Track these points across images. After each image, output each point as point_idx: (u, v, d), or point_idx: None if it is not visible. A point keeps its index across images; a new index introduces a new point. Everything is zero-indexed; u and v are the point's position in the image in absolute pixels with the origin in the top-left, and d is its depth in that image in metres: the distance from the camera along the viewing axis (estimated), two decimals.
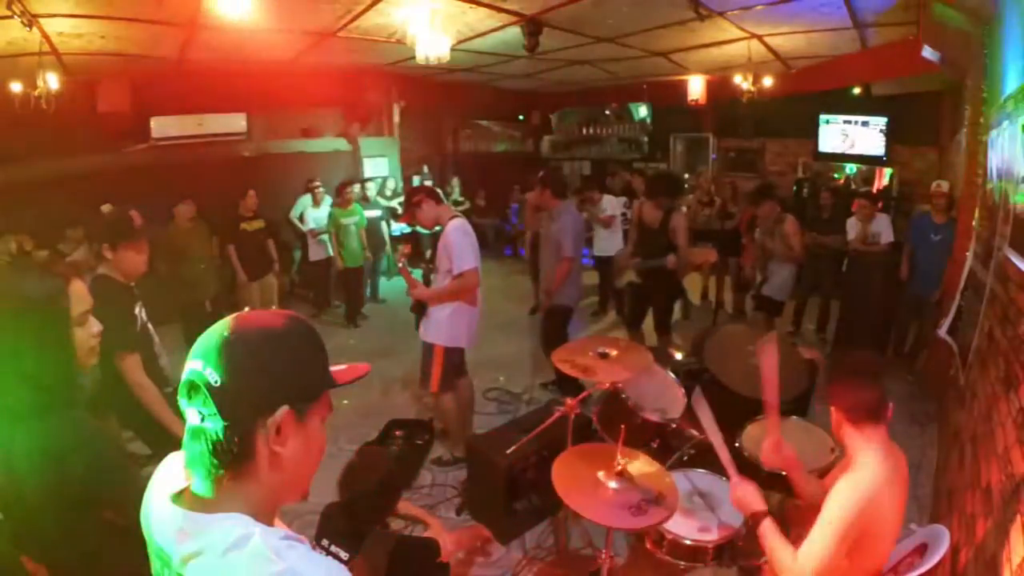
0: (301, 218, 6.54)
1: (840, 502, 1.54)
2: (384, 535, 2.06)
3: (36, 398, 1.22)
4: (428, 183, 8.50)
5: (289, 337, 0.79)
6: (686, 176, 8.89)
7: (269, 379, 0.74)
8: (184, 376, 0.75)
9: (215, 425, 0.73)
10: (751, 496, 1.75)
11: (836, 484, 1.60)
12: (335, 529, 1.99)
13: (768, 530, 1.66)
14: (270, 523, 0.76)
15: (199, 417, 0.74)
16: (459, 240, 3.26)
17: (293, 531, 0.78)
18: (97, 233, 2.52)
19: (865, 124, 7.17)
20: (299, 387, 0.78)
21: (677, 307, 5.44)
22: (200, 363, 0.74)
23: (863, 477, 1.57)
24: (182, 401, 0.76)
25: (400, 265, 3.45)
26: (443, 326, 3.38)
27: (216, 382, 0.72)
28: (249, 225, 5.30)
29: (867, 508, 1.52)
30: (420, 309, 3.46)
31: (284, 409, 0.75)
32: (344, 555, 1.92)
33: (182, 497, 0.77)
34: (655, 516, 1.87)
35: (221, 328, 0.76)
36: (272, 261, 5.56)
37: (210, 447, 0.73)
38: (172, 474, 0.81)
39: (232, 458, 0.73)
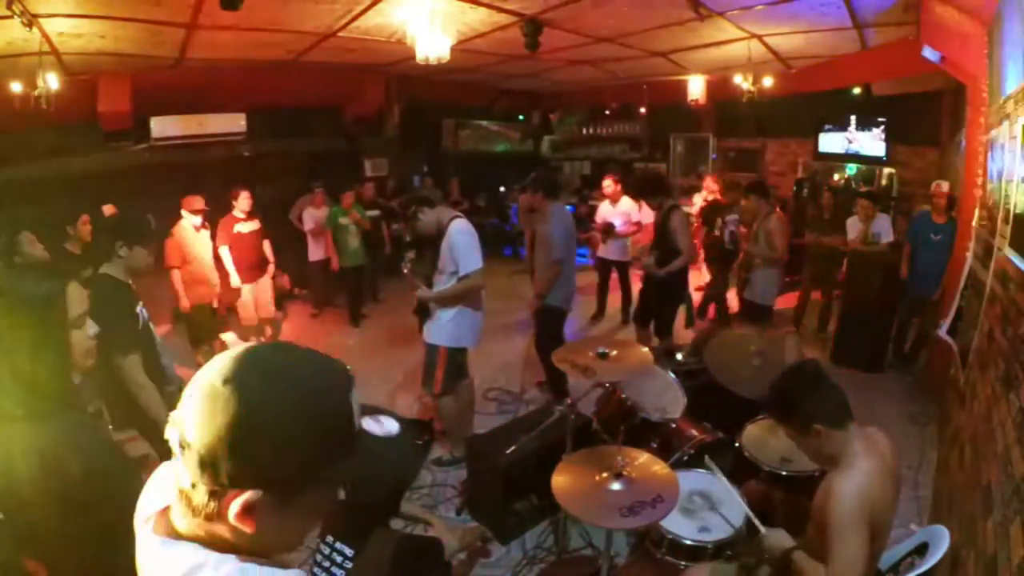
0: (300, 218, 6.56)
1: (843, 506, 1.52)
2: (388, 533, 2.06)
3: (32, 400, 1.22)
4: (428, 182, 8.52)
5: (285, 413, 0.64)
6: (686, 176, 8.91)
7: (242, 460, 0.63)
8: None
9: (185, 478, 0.66)
10: (783, 538, 1.77)
11: (831, 488, 1.59)
12: (340, 527, 2.00)
13: (801, 559, 1.66)
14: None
15: (175, 458, 0.67)
16: (463, 241, 3.23)
17: None
18: (114, 230, 2.53)
19: (865, 127, 7.18)
20: (282, 476, 0.66)
21: (682, 310, 5.44)
22: (182, 405, 0.66)
23: (855, 475, 1.57)
24: (167, 432, 0.68)
25: (405, 269, 3.42)
26: (448, 327, 3.36)
27: (186, 438, 0.64)
28: (244, 226, 5.29)
29: (868, 503, 1.52)
30: (423, 311, 3.45)
31: (255, 495, 0.64)
32: (348, 552, 1.92)
33: (159, 519, 0.74)
34: (653, 514, 1.87)
35: (212, 374, 0.66)
36: (268, 262, 5.56)
37: (180, 492, 0.68)
38: (156, 491, 0.77)
39: (196, 513, 0.67)
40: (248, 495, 0.64)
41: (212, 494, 0.65)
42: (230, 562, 0.67)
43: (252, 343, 0.72)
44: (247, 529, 0.66)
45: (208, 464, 0.63)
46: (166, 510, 0.73)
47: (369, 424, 0.74)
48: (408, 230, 3.54)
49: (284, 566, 0.71)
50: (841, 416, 1.64)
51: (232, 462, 0.63)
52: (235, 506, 0.65)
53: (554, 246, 4.00)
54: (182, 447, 0.65)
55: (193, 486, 0.66)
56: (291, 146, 7.34)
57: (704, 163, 9.10)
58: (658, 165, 9.35)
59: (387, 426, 0.74)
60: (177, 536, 0.70)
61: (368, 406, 0.77)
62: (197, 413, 0.64)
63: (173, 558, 0.69)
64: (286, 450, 0.64)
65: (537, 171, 4.54)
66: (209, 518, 0.67)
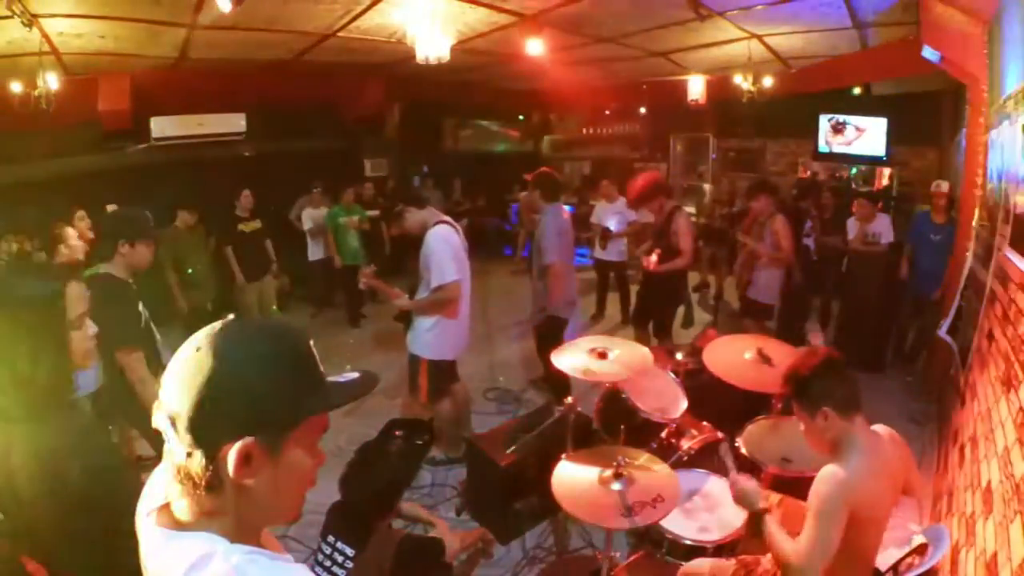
0: (299, 218, 6.56)
1: (822, 494, 1.57)
2: (390, 533, 2.07)
3: (31, 401, 1.22)
4: (429, 182, 8.53)
5: (257, 360, 0.71)
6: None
7: (227, 409, 0.68)
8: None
9: (179, 451, 0.70)
10: (752, 493, 1.78)
11: (821, 471, 1.62)
12: (341, 527, 2.00)
13: (771, 525, 1.69)
14: (250, 540, 0.73)
15: (167, 440, 0.71)
16: (439, 250, 3.13)
17: (292, 532, 0.77)
18: (115, 228, 2.54)
19: (865, 124, 7.17)
20: (267, 417, 0.70)
21: (681, 311, 5.43)
22: (164, 385, 0.70)
23: (843, 467, 1.60)
24: (154, 419, 0.72)
25: (365, 282, 3.35)
26: (427, 339, 3.30)
27: (173, 409, 0.68)
28: (246, 226, 5.30)
29: (849, 495, 1.55)
30: (404, 318, 3.40)
31: (247, 441, 0.68)
32: (350, 552, 1.93)
33: (160, 513, 0.75)
34: (653, 514, 1.87)
35: (188, 346, 0.71)
36: (270, 262, 5.56)
37: (176, 471, 0.71)
38: (156, 488, 0.79)
39: (195, 485, 0.70)
40: (242, 442, 0.68)
41: (209, 457, 0.68)
42: (239, 552, 0.69)
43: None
44: (248, 481, 0.69)
45: (198, 426, 0.67)
46: (168, 504, 0.75)
47: (332, 377, 0.82)
48: (396, 229, 3.48)
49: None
50: (849, 405, 1.67)
51: (218, 414, 0.67)
52: (233, 457, 0.67)
53: (544, 250, 3.97)
54: (172, 421, 0.69)
55: (189, 455, 0.69)
56: (291, 146, 7.34)
57: (704, 163, 9.10)
58: (658, 165, 9.35)
59: (347, 375, 0.82)
60: (181, 527, 0.72)
61: None
62: (178, 382, 0.69)
63: (180, 549, 0.70)
64: (262, 389, 0.69)
65: (539, 171, 4.54)
66: (210, 487, 0.69)
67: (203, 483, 0.69)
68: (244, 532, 0.73)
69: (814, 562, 1.53)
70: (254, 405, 0.69)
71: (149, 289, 2.80)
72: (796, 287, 4.76)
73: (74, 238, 3.99)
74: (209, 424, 0.68)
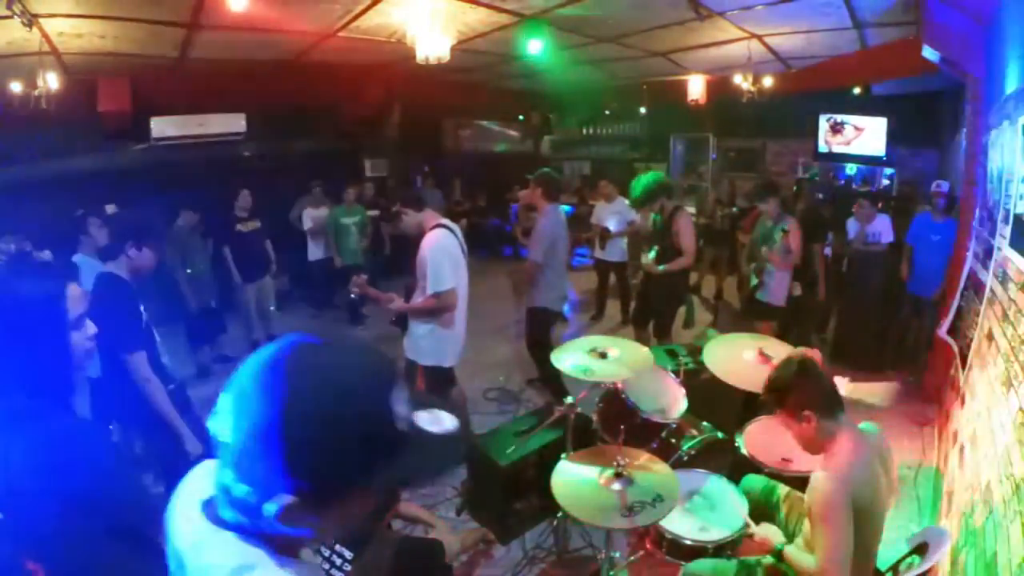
0: (299, 218, 6.56)
1: (822, 497, 1.58)
2: (389, 535, 2.06)
3: (31, 402, 1.22)
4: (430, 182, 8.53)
5: (317, 422, 0.62)
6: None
7: (272, 464, 0.62)
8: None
9: (224, 473, 0.67)
10: (772, 534, 1.89)
11: (812, 482, 1.63)
12: None
13: (791, 553, 1.77)
14: (291, 552, 0.71)
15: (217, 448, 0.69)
16: (435, 257, 3.06)
17: None
18: (123, 231, 2.54)
19: (864, 123, 7.18)
20: (313, 483, 0.63)
21: (681, 311, 5.43)
22: (223, 400, 0.66)
23: (834, 466, 1.62)
24: (208, 424, 0.69)
25: (356, 291, 3.31)
26: (422, 345, 3.26)
27: (222, 437, 0.65)
28: (245, 226, 5.29)
29: (846, 494, 1.56)
30: (401, 323, 3.38)
31: (290, 499, 0.63)
32: (349, 554, 1.93)
33: (209, 505, 0.73)
34: (653, 514, 1.88)
35: (250, 368, 0.65)
36: (270, 262, 5.56)
37: (217, 484, 0.69)
38: (204, 478, 0.76)
39: (235, 506, 0.68)
40: (283, 500, 0.63)
41: (249, 493, 0.64)
42: (282, 571, 0.67)
43: (292, 337, 0.69)
44: (288, 530, 0.66)
45: (243, 465, 0.64)
46: (214, 499, 0.73)
47: (426, 421, 0.73)
48: (393, 228, 3.44)
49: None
50: (832, 406, 1.70)
51: (264, 466, 0.62)
52: (270, 509, 0.63)
53: (533, 246, 3.97)
54: (221, 443, 0.66)
55: (232, 481, 0.66)
56: (291, 146, 7.34)
57: (704, 163, 9.11)
58: (658, 165, 9.35)
59: (445, 423, 0.73)
60: (228, 526, 0.70)
61: (423, 399, 0.75)
62: (231, 413, 0.64)
63: (225, 548, 0.68)
64: (317, 458, 0.62)
65: (542, 170, 4.52)
66: (248, 514, 0.66)
67: (241, 509, 0.67)
68: (286, 547, 0.71)
69: (840, 566, 1.54)
70: (302, 470, 0.62)
71: (149, 289, 2.80)
72: (814, 298, 4.75)
73: (96, 227, 3.98)
74: (252, 470, 0.64)
